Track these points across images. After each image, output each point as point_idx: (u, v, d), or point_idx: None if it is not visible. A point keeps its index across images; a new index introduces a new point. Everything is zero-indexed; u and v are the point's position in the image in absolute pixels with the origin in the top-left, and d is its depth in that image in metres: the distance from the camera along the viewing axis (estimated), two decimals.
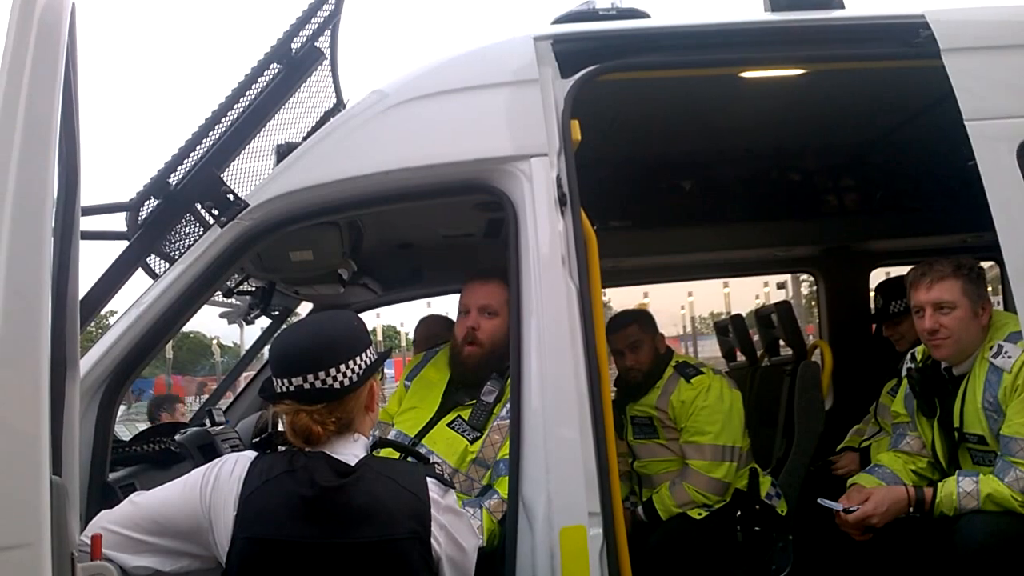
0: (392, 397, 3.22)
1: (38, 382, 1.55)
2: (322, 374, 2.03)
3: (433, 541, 1.99)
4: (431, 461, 2.33)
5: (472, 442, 2.81)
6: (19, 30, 1.59)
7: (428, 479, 2.04)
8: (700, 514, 3.52)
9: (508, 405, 2.73)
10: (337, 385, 2.04)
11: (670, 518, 3.52)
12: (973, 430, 2.87)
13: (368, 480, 2.00)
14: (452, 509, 2.06)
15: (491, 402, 2.87)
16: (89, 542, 1.85)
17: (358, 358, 2.07)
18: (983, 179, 2.61)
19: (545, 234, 2.55)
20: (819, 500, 3.07)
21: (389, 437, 2.15)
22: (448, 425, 2.88)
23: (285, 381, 2.05)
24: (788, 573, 3.59)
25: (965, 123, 2.67)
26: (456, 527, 2.06)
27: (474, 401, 2.90)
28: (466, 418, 2.87)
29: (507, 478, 2.56)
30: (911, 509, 2.84)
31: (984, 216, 2.64)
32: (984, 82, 2.70)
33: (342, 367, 2.05)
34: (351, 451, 2.05)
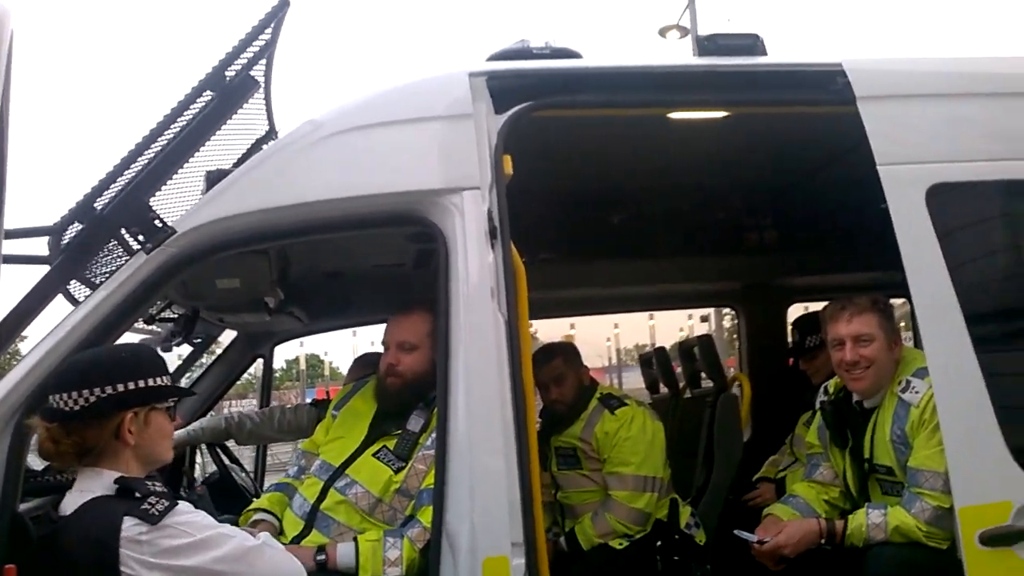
0: (320, 427, 3.20)
1: None
2: (63, 395, 2.08)
3: None
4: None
5: (396, 472, 2.81)
6: None
7: (126, 518, 1.97)
8: (621, 544, 3.56)
9: (433, 435, 2.74)
10: (67, 408, 2.07)
11: (592, 548, 3.56)
12: (882, 461, 2.99)
13: (67, 532, 2.02)
14: (167, 545, 1.97)
15: (416, 432, 2.88)
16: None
17: (108, 387, 2.08)
18: (894, 221, 2.74)
19: (475, 266, 2.58)
20: (735, 532, 3.15)
21: (137, 480, 2.09)
22: (373, 455, 2.87)
23: (49, 398, 2.14)
24: None
25: (878, 167, 2.80)
26: (189, 556, 1.98)
27: (400, 431, 2.90)
28: (391, 448, 2.87)
29: (430, 508, 2.56)
30: (823, 540, 2.94)
31: (895, 255, 2.77)
32: (896, 128, 2.84)
33: (84, 392, 2.07)
34: (89, 488, 2.07)
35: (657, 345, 6.97)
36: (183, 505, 2.04)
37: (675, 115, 3.19)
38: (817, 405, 3.37)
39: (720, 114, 3.24)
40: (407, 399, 2.94)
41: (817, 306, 4.61)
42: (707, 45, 3.02)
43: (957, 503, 2.61)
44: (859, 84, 2.86)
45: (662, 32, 16.90)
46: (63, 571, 1.97)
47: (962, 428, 2.66)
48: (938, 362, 2.70)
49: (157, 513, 1.97)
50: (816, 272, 5.25)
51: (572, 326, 7.79)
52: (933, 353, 2.70)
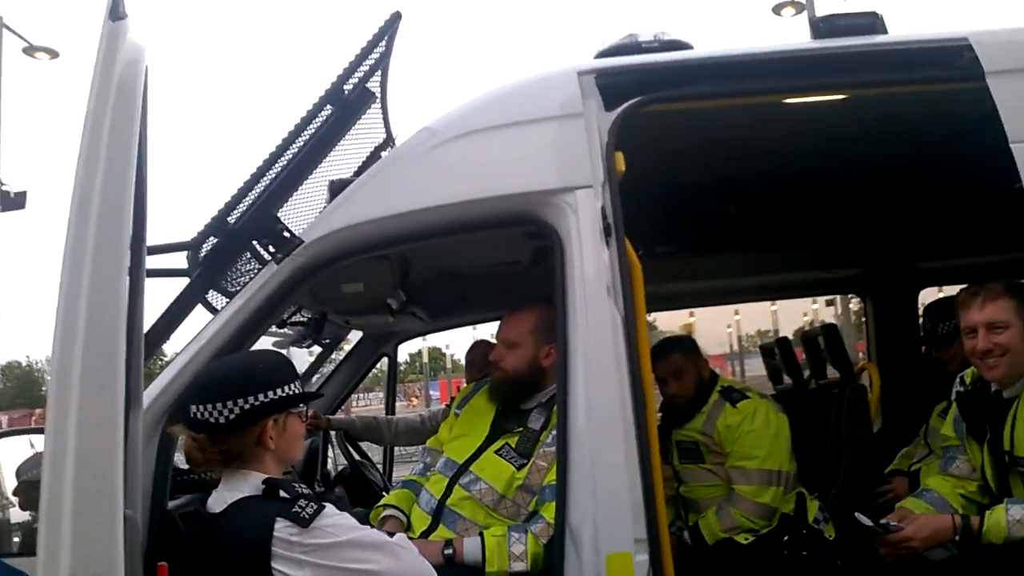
0: (443, 425, 3.30)
1: (115, 417, 1.62)
2: (208, 407, 2.20)
3: None
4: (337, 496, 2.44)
5: (519, 469, 2.87)
6: (100, 87, 1.69)
7: (278, 520, 2.08)
8: (747, 539, 3.51)
9: (554, 432, 2.78)
10: (212, 420, 2.19)
11: (716, 543, 3.52)
12: (1023, 454, 2.84)
13: (219, 529, 2.14)
14: (317, 544, 2.08)
15: (537, 429, 2.93)
16: None
17: (249, 397, 2.20)
18: None
19: (591, 264, 2.60)
20: (856, 514, 3.03)
21: (284, 481, 2.21)
22: (496, 452, 2.94)
23: (191, 407, 2.25)
24: None
25: (1011, 144, 2.67)
26: (336, 556, 2.09)
27: (522, 428, 2.95)
28: (513, 445, 2.93)
29: (553, 503, 2.60)
30: (956, 537, 2.79)
31: None
32: None
33: (228, 403, 2.19)
34: (237, 488, 2.20)
35: (780, 332, 6.79)
36: (329, 508, 2.15)
37: (791, 100, 3.11)
38: (953, 395, 3.22)
39: (839, 97, 3.14)
40: (512, 394, 3.02)
41: (950, 291, 4.41)
42: (823, 27, 2.93)
43: None
44: (987, 58, 2.73)
45: (776, 10, 16.38)
46: (216, 566, 2.11)
47: None
48: None
49: (308, 516, 2.09)
50: (946, 255, 5.02)
51: (691, 314, 7.69)
52: None
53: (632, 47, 2.97)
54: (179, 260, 2.75)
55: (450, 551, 2.70)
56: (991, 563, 2.77)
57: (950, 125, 3.53)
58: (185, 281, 2.74)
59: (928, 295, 5.30)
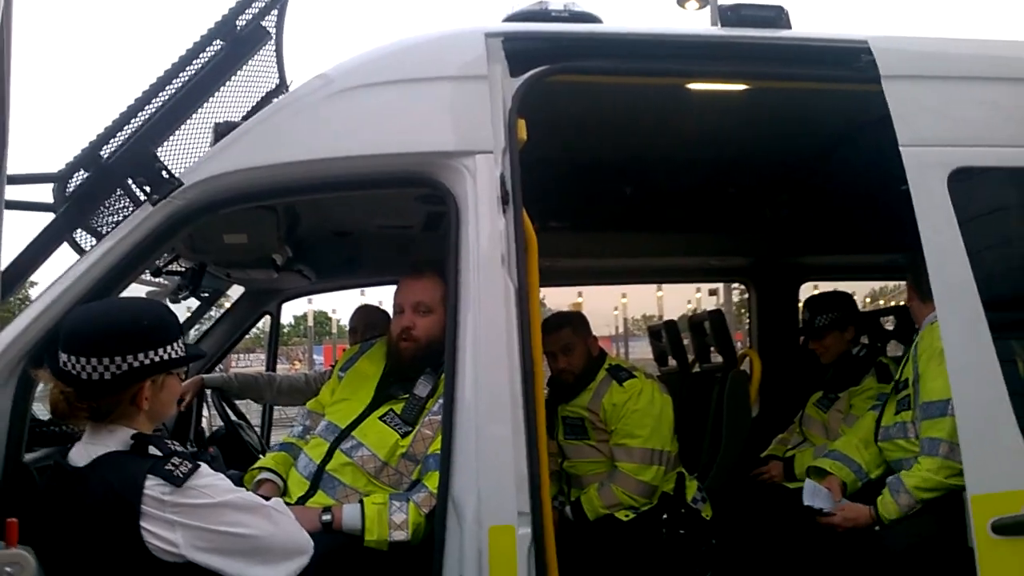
0: (325, 387, 3.18)
1: None
2: (82, 361, 2.05)
3: (155, 542, 1.96)
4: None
5: (403, 436, 2.80)
6: None
7: (149, 477, 1.98)
8: (627, 516, 3.56)
9: (440, 400, 2.72)
10: (84, 376, 2.05)
11: (597, 519, 3.56)
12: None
13: (84, 484, 2.01)
14: (189, 505, 1.99)
15: (424, 397, 2.86)
16: None
17: (129, 357, 2.06)
18: (915, 204, 2.69)
19: (486, 232, 2.54)
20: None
21: (155, 438, 2.10)
22: (380, 418, 2.86)
23: (61, 354, 2.09)
24: None
25: (900, 148, 2.74)
26: (209, 518, 2.01)
27: (407, 395, 2.88)
28: (398, 412, 2.85)
29: (436, 473, 2.55)
30: (876, 528, 3.11)
31: (910, 237, 2.72)
32: (920, 110, 2.78)
33: (104, 360, 2.05)
34: (103, 442, 2.07)
35: (664, 317, 6.94)
36: (204, 468, 2.05)
37: (694, 86, 3.12)
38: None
39: (740, 87, 3.17)
40: (419, 365, 2.92)
41: (828, 286, 4.58)
42: (730, 15, 2.94)
43: (970, 491, 2.58)
44: (884, 62, 2.80)
45: (680, 2, 16.68)
46: (77, 524, 1.97)
47: (977, 415, 2.62)
48: (954, 347, 2.66)
49: (181, 475, 1.98)
50: (829, 251, 5.20)
51: (579, 294, 7.78)
52: (950, 338, 2.66)
53: (541, 14, 2.91)
54: (43, 193, 2.55)
55: (328, 517, 2.60)
56: None
57: (844, 124, 3.63)
58: (49, 216, 2.54)
59: (807, 289, 5.48)
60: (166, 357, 2.12)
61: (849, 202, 4.39)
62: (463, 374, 2.49)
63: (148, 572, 1.96)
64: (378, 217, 3.92)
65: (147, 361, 2.08)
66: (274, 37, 2.80)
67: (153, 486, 1.97)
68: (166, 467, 1.99)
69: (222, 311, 4.84)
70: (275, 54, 3.01)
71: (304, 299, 4.91)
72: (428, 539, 2.53)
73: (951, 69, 2.89)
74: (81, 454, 2.09)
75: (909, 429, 3.19)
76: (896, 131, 2.76)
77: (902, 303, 4.45)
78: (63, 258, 2.58)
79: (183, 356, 2.20)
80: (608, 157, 4.09)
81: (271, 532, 2.10)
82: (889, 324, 4.72)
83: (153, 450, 2.05)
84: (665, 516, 3.62)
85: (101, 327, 2.12)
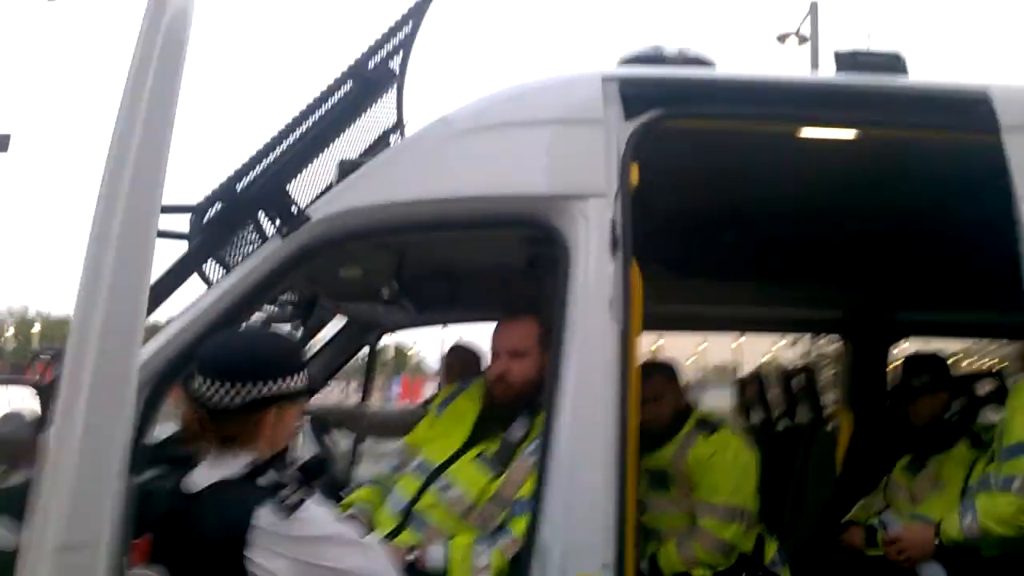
0: (422, 424, 3.23)
1: (129, 384, 1.55)
2: (217, 384, 2.12)
3: (258, 573, 1.99)
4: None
5: (494, 478, 2.82)
6: (146, 39, 1.62)
7: (259, 508, 2.01)
8: (704, 574, 3.46)
9: (534, 443, 2.74)
10: (216, 399, 2.12)
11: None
12: None
13: (201, 509, 2.07)
14: (295, 537, 2.02)
15: (518, 439, 2.88)
16: None
17: (259, 384, 2.13)
18: None
19: (595, 276, 2.57)
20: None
21: (269, 466, 2.14)
22: (474, 458, 2.89)
23: (197, 378, 2.16)
24: None
25: (1019, 204, 2.68)
26: (311, 552, 2.04)
27: (502, 435, 2.90)
28: (491, 453, 2.87)
29: (523, 519, 2.56)
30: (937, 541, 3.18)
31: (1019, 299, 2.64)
32: None
33: (236, 385, 2.11)
34: (225, 466, 2.13)
35: (741, 368, 6.80)
36: (312, 500, 2.10)
37: (807, 133, 3.11)
38: None
39: (851, 134, 3.15)
40: (515, 406, 2.94)
41: (926, 345, 4.45)
42: (847, 60, 2.94)
43: None
44: (1005, 113, 2.74)
45: (781, 39, 16.60)
46: (190, 547, 2.04)
47: None
48: None
49: (289, 507, 2.04)
50: (928, 308, 5.06)
51: (660, 336, 7.64)
52: None
53: (655, 58, 2.96)
54: (180, 223, 2.69)
55: (412, 557, 2.65)
56: None
57: (958, 176, 3.55)
58: (183, 246, 2.68)
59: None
60: (292, 387, 2.20)
61: (955, 257, 4.29)
62: (561, 418, 2.50)
63: None
64: (481, 256, 3.99)
65: (275, 390, 2.16)
66: (397, 78, 2.92)
67: (261, 516, 2.02)
68: (277, 497, 2.05)
69: (323, 343, 4.97)
70: (396, 94, 3.13)
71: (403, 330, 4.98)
72: None
73: None
74: (202, 477, 2.17)
75: (991, 478, 3.08)
76: (1015, 185, 2.70)
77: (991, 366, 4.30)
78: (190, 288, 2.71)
79: (305, 387, 2.28)
80: (712, 204, 4.09)
81: (367, 567, 2.13)
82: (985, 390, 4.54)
83: (269, 478, 2.11)
84: None
85: (234, 355, 2.21)
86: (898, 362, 4.44)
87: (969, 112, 2.80)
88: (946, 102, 2.86)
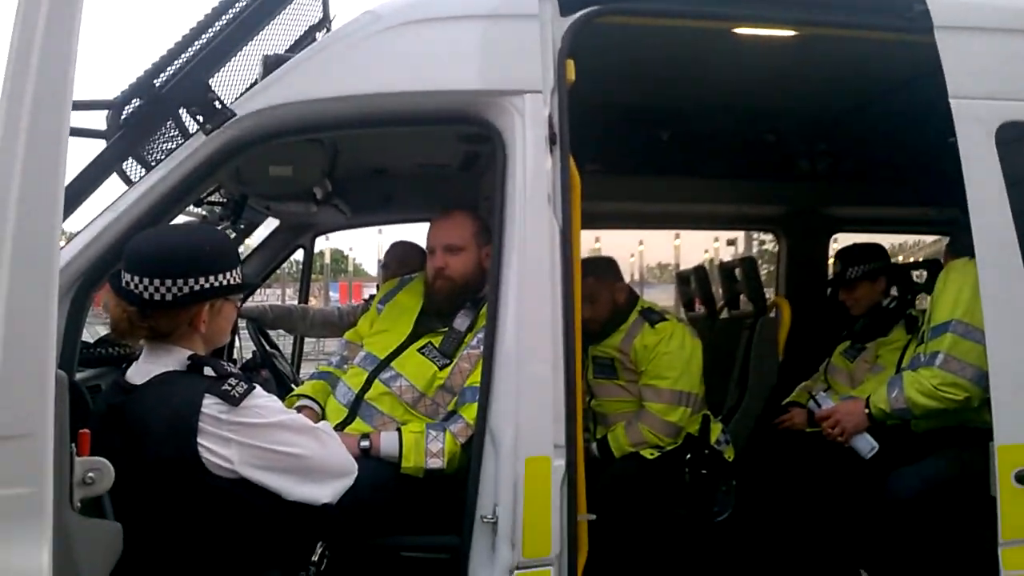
0: (363, 319, 3.24)
1: (51, 277, 1.51)
2: (146, 281, 2.09)
3: (210, 458, 2.02)
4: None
5: (441, 368, 2.86)
6: None
7: (207, 396, 2.03)
8: (652, 454, 3.63)
9: (479, 335, 2.79)
10: (147, 296, 2.10)
11: (623, 456, 3.64)
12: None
13: (142, 401, 2.07)
14: (245, 423, 2.05)
15: (463, 331, 2.92)
16: None
17: (190, 280, 2.11)
18: (962, 157, 2.68)
19: (533, 171, 2.55)
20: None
21: (211, 360, 2.16)
22: (419, 350, 2.92)
23: (125, 274, 2.14)
24: (728, 516, 3.75)
25: (950, 100, 2.72)
26: (263, 436, 2.07)
27: (446, 328, 2.94)
28: (437, 344, 2.91)
29: (474, 405, 2.62)
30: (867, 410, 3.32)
31: (948, 191, 2.72)
32: (972, 62, 2.75)
33: (168, 282, 2.10)
34: (161, 362, 2.13)
35: (680, 265, 6.95)
36: (259, 389, 2.11)
37: (741, 31, 3.09)
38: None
39: (788, 32, 3.13)
40: (456, 301, 2.97)
41: (861, 238, 4.57)
42: None
43: (997, 441, 2.63)
44: (938, 13, 2.76)
45: None
46: (135, 438, 2.03)
47: (1010, 367, 2.65)
48: (993, 299, 2.68)
49: (237, 395, 2.05)
50: (863, 203, 5.17)
51: (597, 239, 7.71)
52: (988, 291, 2.68)
53: None
54: (97, 120, 2.58)
55: (367, 443, 2.68)
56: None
57: (893, 76, 3.58)
58: (101, 144, 2.57)
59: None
60: (225, 283, 2.18)
61: (889, 154, 4.36)
62: (506, 310, 2.53)
63: (202, 487, 2.04)
64: (416, 156, 3.93)
65: (207, 285, 2.14)
66: None
67: (211, 404, 2.03)
68: (223, 387, 2.05)
69: (255, 244, 4.89)
70: None
71: (320, 236, 4.93)
72: (463, 468, 2.61)
73: (1005, 21, 2.85)
74: (139, 372, 2.15)
75: (920, 358, 3.26)
76: (947, 83, 2.73)
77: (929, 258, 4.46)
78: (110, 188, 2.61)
79: (240, 283, 2.26)
80: (647, 101, 4.07)
81: (321, 453, 2.17)
82: (920, 278, 4.72)
83: (209, 371, 2.11)
84: (688, 456, 3.69)
85: (166, 250, 2.17)
86: (837, 251, 4.54)
87: (904, 12, 2.80)
88: (882, 2, 2.84)
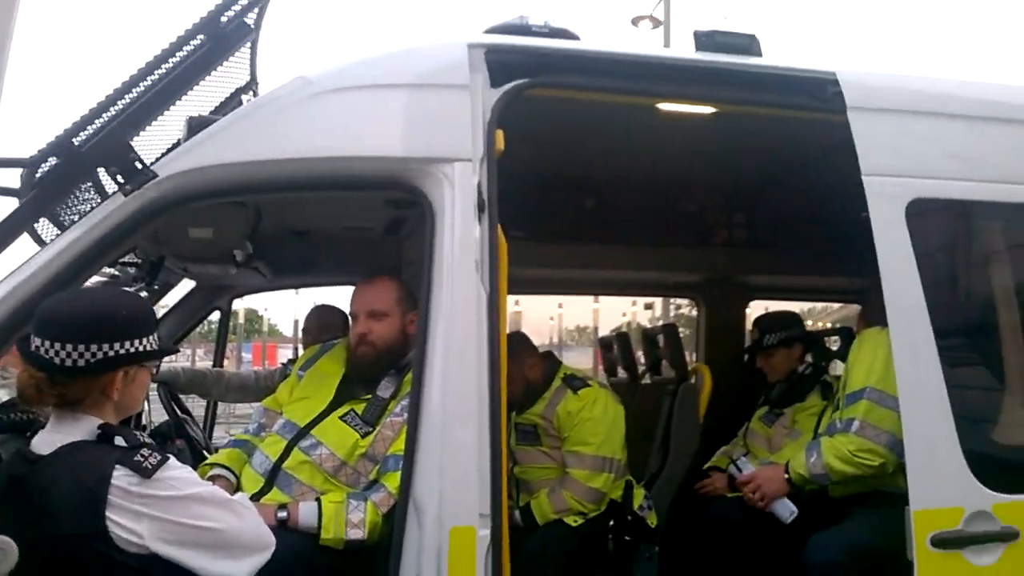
0: (283, 386, 3.16)
1: None
2: (57, 346, 2.00)
3: (120, 533, 1.93)
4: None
5: (363, 436, 2.80)
6: None
7: (117, 467, 1.95)
8: (576, 521, 3.61)
9: (403, 402, 2.75)
10: (57, 361, 2.01)
11: (546, 523, 3.60)
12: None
13: (47, 472, 1.97)
14: (157, 496, 1.96)
15: (386, 398, 2.87)
16: None
17: (104, 345, 2.03)
18: (874, 231, 2.78)
19: (461, 238, 2.56)
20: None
21: (122, 429, 2.06)
22: (340, 418, 2.86)
23: (34, 338, 2.04)
24: None
25: (863, 176, 2.84)
26: (177, 510, 1.98)
27: (369, 396, 2.89)
28: (360, 412, 2.85)
29: (396, 474, 2.57)
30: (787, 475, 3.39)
31: (860, 263, 2.81)
32: (883, 141, 2.88)
33: (80, 347, 2.01)
34: (69, 431, 2.03)
35: (600, 330, 7.06)
36: (173, 460, 2.02)
37: (665, 106, 3.19)
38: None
39: (709, 109, 3.25)
40: (379, 368, 2.93)
41: (776, 305, 4.71)
42: (704, 41, 3.01)
43: (912, 506, 2.69)
44: (851, 95, 2.89)
45: (634, 21, 16.92)
46: (39, 512, 1.92)
47: (923, 435, 2.73)
48: (905, 369, 2.76)
49: (150, 466, 1.95)
50: (779, 272, 5.34)
51: (516, 302, 7.77)
52: (901, 361, 2.76)
53: (522, 28, 2.93)
54: (10, 178, 2.48)
55: (284, 515, 2.60)
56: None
57: (807, 152, 3.73)
58: (13, 203, 2.47)
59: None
60: (142, 348, 2.09)
61: (802, 226, 4.51)
62: (432, 376, 2.50)
63: (112, 565, 1.93)
64: (341, 219, 3.90)
65: (123, 351, 2.05)
66: (252, 34, 2.77)
67: (121, 476, 1.93)
68: (135, 458, 1.96)
69: (169, 307, 4.74)
70: (250, 51, 2.98)
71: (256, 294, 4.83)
72: (385, 539, 2.55)
73: (914, 104, 3.00)
74: (45, 441, 2.04)
75: (836, 422, 3.34)
76: (859, 160, 2.85)
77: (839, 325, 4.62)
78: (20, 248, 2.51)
79: (157, 349, 2.18)
80: (572, 170, 4.16)
81: (237, 527, 2.08)
82: (834, 345, 4.87)
83: (120, 441, 2.01)
84: (612, 523, 3.69)
85: (80, 313, 2.08)
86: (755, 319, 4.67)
87: (819, 93, 2.93)
88: (798, 83, 2.97)
